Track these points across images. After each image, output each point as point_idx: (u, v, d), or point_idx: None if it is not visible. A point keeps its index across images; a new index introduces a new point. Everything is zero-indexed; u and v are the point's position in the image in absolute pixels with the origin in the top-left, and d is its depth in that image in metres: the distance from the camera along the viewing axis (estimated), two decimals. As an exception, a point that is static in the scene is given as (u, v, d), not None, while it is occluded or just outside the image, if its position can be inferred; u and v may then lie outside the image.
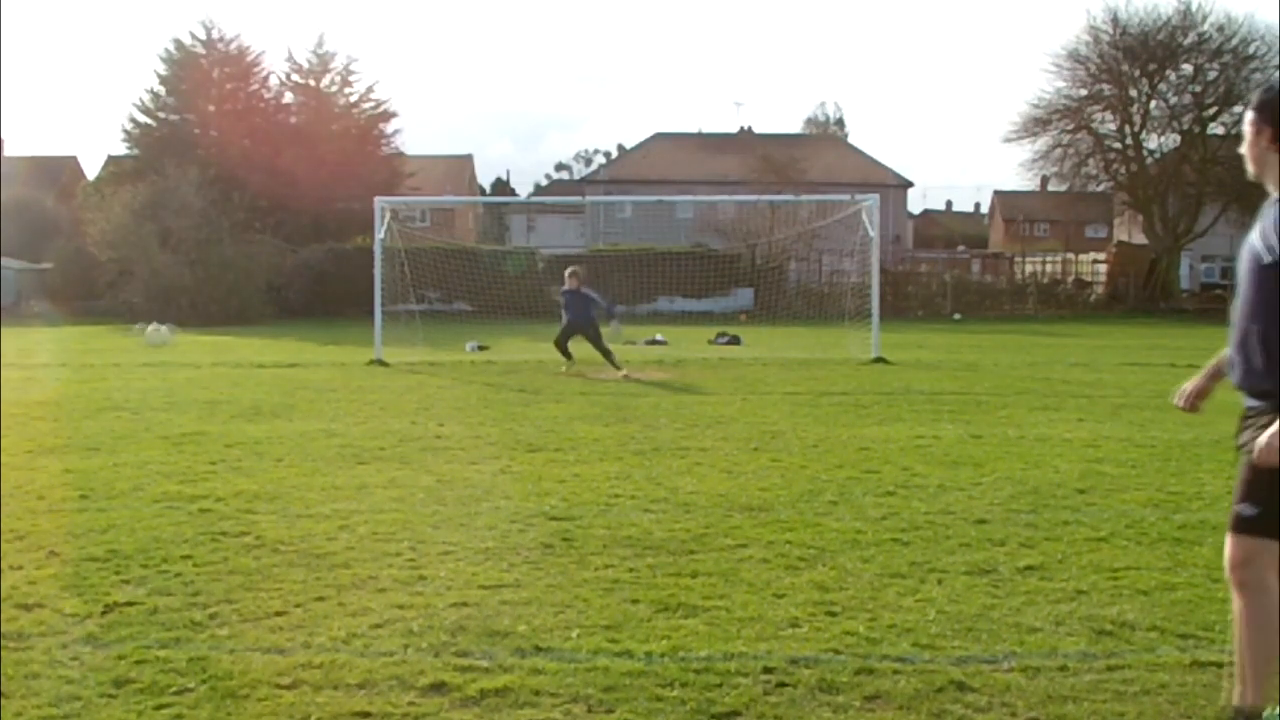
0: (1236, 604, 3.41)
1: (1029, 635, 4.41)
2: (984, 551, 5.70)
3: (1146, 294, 42.66)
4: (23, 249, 40.56)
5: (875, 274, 19.53)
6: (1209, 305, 43.37)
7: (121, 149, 44.02)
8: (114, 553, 5.63)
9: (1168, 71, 43.74)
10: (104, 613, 4.67)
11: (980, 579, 5.20)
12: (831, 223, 29.00)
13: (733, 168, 47.90)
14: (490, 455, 8.79)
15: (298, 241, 38.05)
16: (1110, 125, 45.72)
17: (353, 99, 45.15)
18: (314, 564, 5.46)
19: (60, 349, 22.03)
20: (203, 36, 43.29)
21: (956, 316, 37.87)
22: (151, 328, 16.86)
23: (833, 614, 4.68)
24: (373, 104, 45.42)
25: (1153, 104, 44.41)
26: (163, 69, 43.01)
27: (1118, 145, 45.66)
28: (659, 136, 57.39)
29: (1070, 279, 44.99)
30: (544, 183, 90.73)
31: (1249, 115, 3.40)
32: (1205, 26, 42.75)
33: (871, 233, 19.30)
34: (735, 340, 24.30)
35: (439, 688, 3.86)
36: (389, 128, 45.99)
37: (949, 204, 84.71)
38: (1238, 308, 3.39)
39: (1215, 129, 44.18)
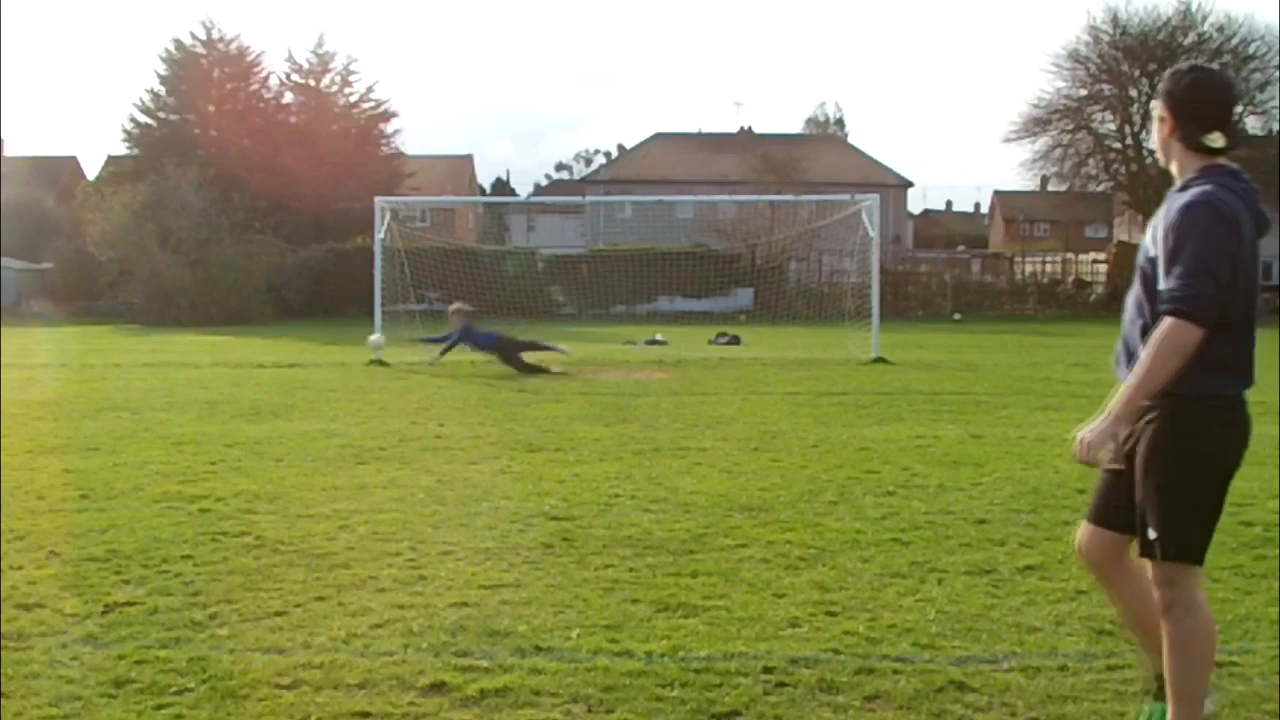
0: (1166, 629, 3.25)
1: (1029, 635, 4.40)
2: (984, 551, 5.70)
3: (1146, 294, 42.62)
4: (23, 249, 40.57)
5: (875, 274, 19.52)
6: (1209, 305, 43.41)
7: (121, 149, 44.06)
8: (114, 553, 5.63)
9: (1168, 71, 43.74)
10: (104, 613, 4.67)
11: (980, 579, 5.20)
12: (831, 223, 28.98)
13: (733, 168, 47.87)
14: (490, 455, 8.79)
15: (298, 241, 38.04)
16: (1110, 125, 45.77)
17: (353, 99, 45.18)
18: (314, 564, 5.46)
19: (60, 349, 22.03)
20: (203, 36, 43.33)
21: (956, 316, 37.87)
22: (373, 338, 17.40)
23: (833, 614, 4.68)
24: (373, 104, 45.45)
25: (1152, 104, 44.40)
26: (163, 69, 43.04)
27: (1118, 145, 45.68)
28: (659, 136, 57.36)
29: (1070, 279, 44.95)
30: (544, 183, 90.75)
31: (1155, 102, 3.35)
32: (1205, 26, 42.84)
33: (871, 233, 19.29)
34: (735, 340, 24.29)
35: (439, 688, 3.86)
36: (389, 128, 46.07)
37: (949, 204, 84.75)
38: (1127, 303, 3.31)
39: (1215, 129, 44.15)
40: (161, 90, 42.96)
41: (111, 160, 46.21)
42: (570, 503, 6.90)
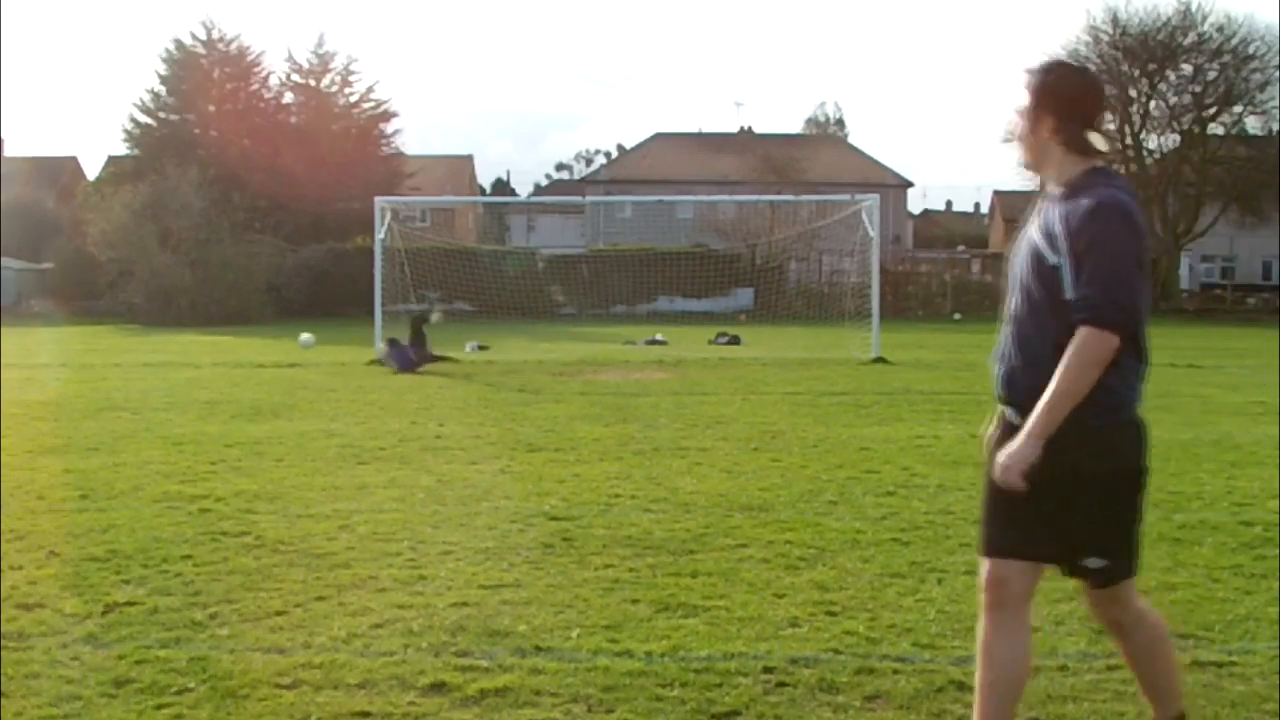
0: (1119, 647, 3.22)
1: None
2: (984, 551, 5.69)
3: (1146, 294, 42.64)
4: (23, 249, 40.55)
5: (875, 274, 19.52)
6: (1209, 305, 43.47)
7: (122, 149, 43.98)
8: (114, 553, 5.63)
9: (1167, 71, 43.79)
10: (104, 613, 4.67)
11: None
12: (831, 223, 29.00)
13: (733, 168, 47.85)
14: (490, 455, 8.79)
15: (298, 241, 38.02)
16: (1110, 125, 45.70)
17: (353, 99, 45.12)
18: (314, 564, 5.46)
19: (60, 349, 22.03)
20: (203, 36, 43.26)
21: (956, 316, 37.89)
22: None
23: (833, 614, 4.68)
24: (373, 104, 45.39)
25: (1152, 104, 44.47)
26: (163, 69, 42.97)
27: (1118, 145, 45.67)
28: (659, 136, 57.35)
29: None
30: (544, 183, 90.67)
31: (1021, 99, 3.07)
32: (1205, 26, 42.84)
33: (871, 233, 19.29)
34: (735, 340, 24.29)
35: (439, 688, 3.86)
36: (389, 128, 45.99)
37: (949, 204, 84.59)
38: (1012, 313, 3.07)
39: (1215, 129, 44.26)
40: (161, 90, 42.93)
41: (111, 160, 46.15)
42: (570, 503, 6.90)
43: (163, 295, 32.07)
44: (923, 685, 3.87)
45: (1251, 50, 42.63)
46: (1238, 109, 44.20)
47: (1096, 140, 3.02)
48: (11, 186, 43.42)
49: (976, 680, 3.12)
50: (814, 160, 47.68)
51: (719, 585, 5.10)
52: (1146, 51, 43.01)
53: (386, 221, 19.79)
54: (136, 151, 42.12)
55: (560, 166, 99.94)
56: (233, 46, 43.48)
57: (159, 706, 3.70)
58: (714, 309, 36.38)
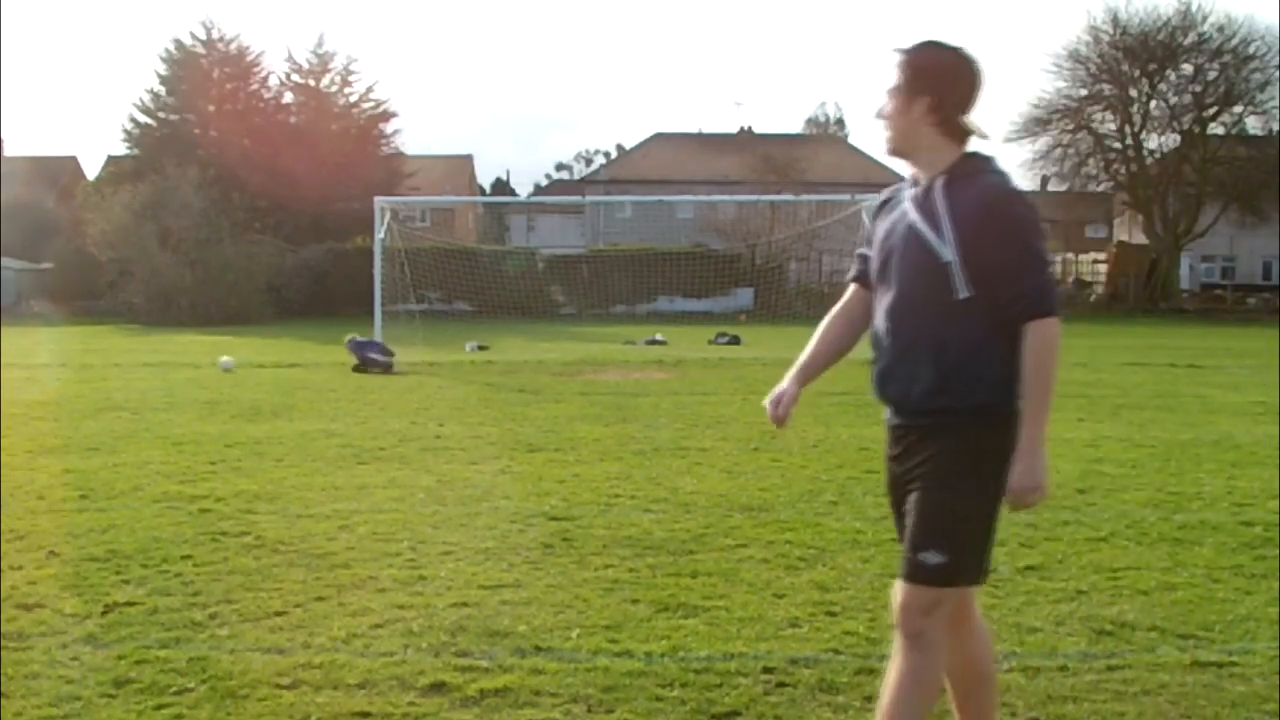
0: (903, 659, 2.87)
1: (1029, 635, 4.41)
2: (984, 551, 5.69)
3: (1146, 294, 42.67)
4: (23, 249, 40.57)
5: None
6: (1209, 305, 43.46)
7: (121, 149, 44.02)
8: (114, 553, 5.63)
9: (1168, 71, 43.79)
10: (104, 613, 4.67)
11: (980, 579, 5.19)
12: (831, 223, 29.01)
13: (733, 168, 47.85)
14: (490, 455, 8.79)
15: (298, 241, 38.04)
16: (1110, 125, 45.79)
17: (353, 99, 45.14)
18: (314, 564, 5.46)
19: (60, 349, 22.02)
20: (203, 36, 43.30)
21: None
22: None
23: (833, 614, 4.67)
24: (373, 104, 45.42)
25: (1153, 104, 44.48)
26: (163, 69, 43.01)
27: (1118, 145, 45.71)
28: (659, 136, 57.30)
29: (1070, 279, 45.01)
30: (544, 183, 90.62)
31: (892, 79, 2.87)
32: (1205, 26, 42.85)
33: (872, 233, 19.27)
34: (735, 340, 24.29)
35: (439, 688, 3.86)
36: (389, 128, 46.03)
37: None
38: (892, 309, 2.94)
39: (1215, 129, 44.24)
40: (161, 90, 42.95)
41: (111, 160, 46.15)
42: (570, 503, 6.90)
43: (163, 295, 32.06)
44: (923, 685, 3.86)
45: (1252, 50, 42.65)
46: (1238, 109, 44.21)
47: (975, 125, 2.86)
48: (11, 186, 43.40)
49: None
50: (814, 160, 47.70)
51: (719, 585, 5.10)
52: (1147, 51, 43.01)
53: (386, 221, 19.79)
54: (136, 151, 42.16)
55: (560, 166, 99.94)
56: (232, 46, 43.51)
57: (159, 706, 3.70)
58: (714, 309, 36.39)
